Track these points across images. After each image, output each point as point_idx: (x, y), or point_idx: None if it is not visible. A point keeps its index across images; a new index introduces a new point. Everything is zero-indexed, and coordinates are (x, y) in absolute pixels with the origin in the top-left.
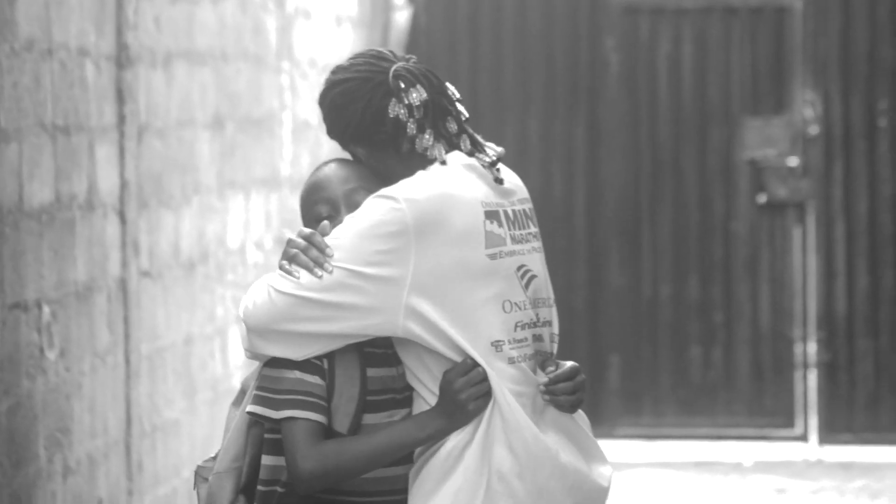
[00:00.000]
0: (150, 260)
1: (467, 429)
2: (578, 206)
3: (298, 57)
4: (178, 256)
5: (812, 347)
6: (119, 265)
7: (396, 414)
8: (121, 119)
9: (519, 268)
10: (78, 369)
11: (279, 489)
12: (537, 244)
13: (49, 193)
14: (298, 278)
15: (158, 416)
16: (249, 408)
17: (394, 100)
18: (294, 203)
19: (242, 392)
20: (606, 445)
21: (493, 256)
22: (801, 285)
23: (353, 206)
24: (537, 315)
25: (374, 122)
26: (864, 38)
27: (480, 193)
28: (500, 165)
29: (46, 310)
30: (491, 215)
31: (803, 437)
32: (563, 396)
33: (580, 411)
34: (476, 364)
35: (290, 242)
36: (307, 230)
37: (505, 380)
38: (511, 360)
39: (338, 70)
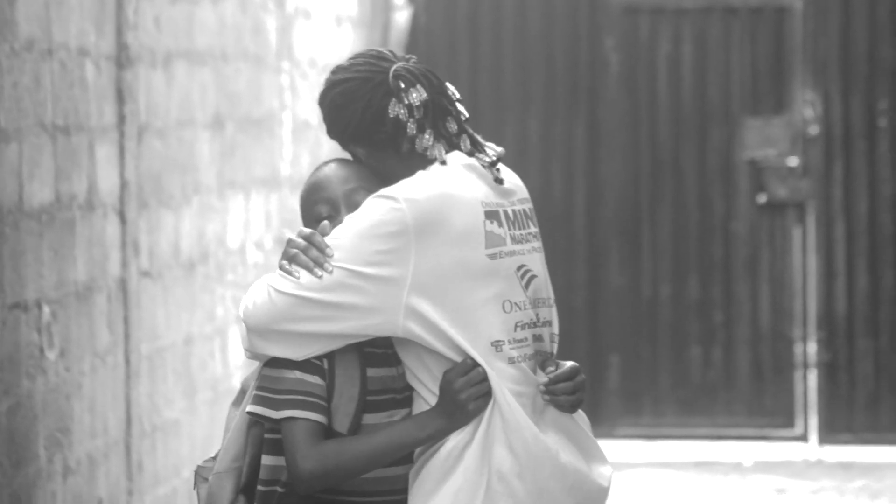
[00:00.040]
0: (150, 260)
1: (467, 429)
2: (578, 206)
3: (298, 57)
4: (178, 256)
5: (812, 347)
6: (119, 265)
7: (396, 414)
8: (121, 119)
9: (519, 268)
10: (78, 369)
11: (279, 489)
12: (537, 244)
13: (49, 193)
14: (298, 278)
15: (158, 416)
16: (249, 408)
17: (394, 100)
18: (294, 203)
19: (242, 392)
20: (606, 445)
21: (493, 256)
22: (801, 285)
23: (353, 206)
24: (537, 315)
25: (374, 122)
26: (864, 38)
27: (480, 193)
28: (499, 165)
29: (46, 310)
30: (491, 215)
31: (803, 437)
32: (563, 396)
33: (580, 411)
34: (476, 364)
35: (290, 242)
36: (307, 230)
37: (505, 380)
38: (511, 360)
39: (338, 70)
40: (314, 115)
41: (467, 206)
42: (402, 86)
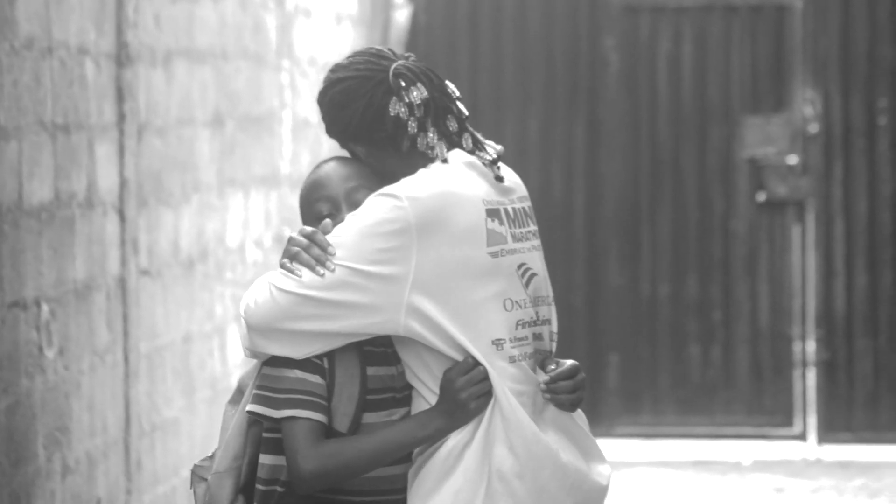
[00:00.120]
0: (149, 258)
1: (468, 428)
2: (578, 205)
3: (298, 55)
4: (177, 255)
5: (811, 346)
6: (118, 263)
7: (396, 413)
8: (120, 117)
9: (520, 266)
10: (77, 368)
11: (278, 488)
12: (536, 242)
13: (48, 192)
14: (300, 277)
15: (157, 414)
16: (249, 407)
17: (394, 98)
18: (294, 201)
19: (239, 391)
20: (605, 444)
21: (494, 254)
22: (800, 284)
23: (354, 204)
24: (537, 313)
25: (375, 121)
26: (864, 37)
27: (482, 191)
28: (499, 163)
29: (45, 308)
30: (492, 213)
31: (802, 437)
32: (563, 395)
33: (578, 410)
34: (477, 363)
35: (291, 240)
36: (309, 228)
37: (505, 378)
38: (512, 359)
39: (337, 68)
40: (314, 114)
41: (469, 203)
42: (403, 84)
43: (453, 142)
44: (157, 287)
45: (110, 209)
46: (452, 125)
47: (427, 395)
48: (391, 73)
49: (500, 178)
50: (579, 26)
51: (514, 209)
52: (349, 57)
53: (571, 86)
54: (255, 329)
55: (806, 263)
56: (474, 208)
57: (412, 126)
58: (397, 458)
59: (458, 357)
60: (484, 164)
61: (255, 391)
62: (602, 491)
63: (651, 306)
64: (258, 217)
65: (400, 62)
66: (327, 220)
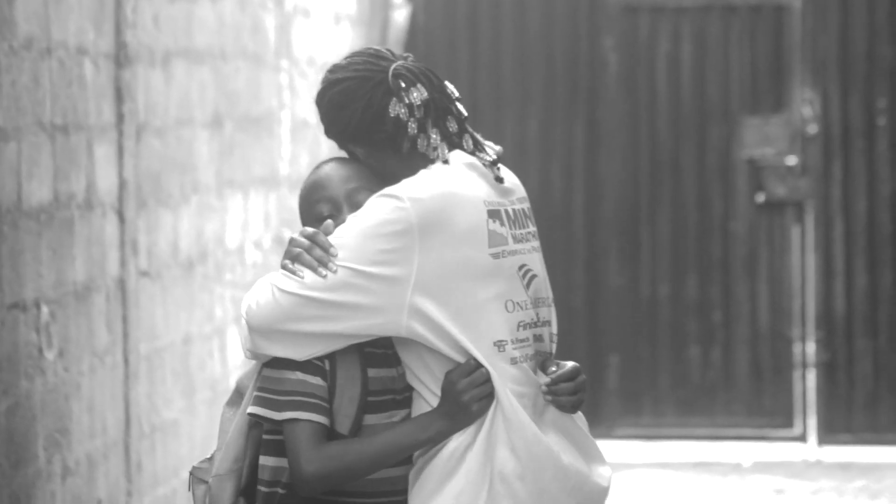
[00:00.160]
0: (148, 259)
1: (469, 430)
2: (577, 206)
3: (297, 55)
4: (176, 256)
5: (811, 347)
6: (118, 265)
7: (396, 415)
8: (119, 118)
9: (520, 267)
10: (77, 369)
11: (280, 490)
12: (536, 244)
13: (48, 193)
14: (302, 278)
15: (157, 416)
16: (251, 409)
17: (394, 99)
18: (293, 202)
19: (237, 392)
20: (605, 445)
21: (496, 256)
22: (799, 285)
23: (355, 205)
24: (538, 315)
25: (374, 122)
26: (863, 37)
27: (483, 192)
28: (499, 164)
29: (45, 310)
30: (493, 214)
31: (802, 438)
32: (564, 397)
33: (578, 412)
34: (479, 365)
35: (292, 241)
36: (310, 229)
37: (507, 380)
38: (513, 361)
39: (335, 69)
40: (313, 114)
41: (471, 204)
42: (403, 85)
43: (453, 143)
44: (157, 288)
45: (109, 210)
46: (452, 126)
47: (428, 396)
48: (391, 73)
49: (500, 179)
50: (579, 26)
51: (514, 210)
52: (348, 57)
53: (571, 86)
54: (257, 330)
55: (805, 264)
56: (476, 209)
57: (412, 127)
58: (399, 460)
59: (460, 358)
60: (484, 164)
61: (256, 393)
62: (603, 492)
63: (651, 307)
64: (257, 218)
65: (399, 62)
66: (329, 221)
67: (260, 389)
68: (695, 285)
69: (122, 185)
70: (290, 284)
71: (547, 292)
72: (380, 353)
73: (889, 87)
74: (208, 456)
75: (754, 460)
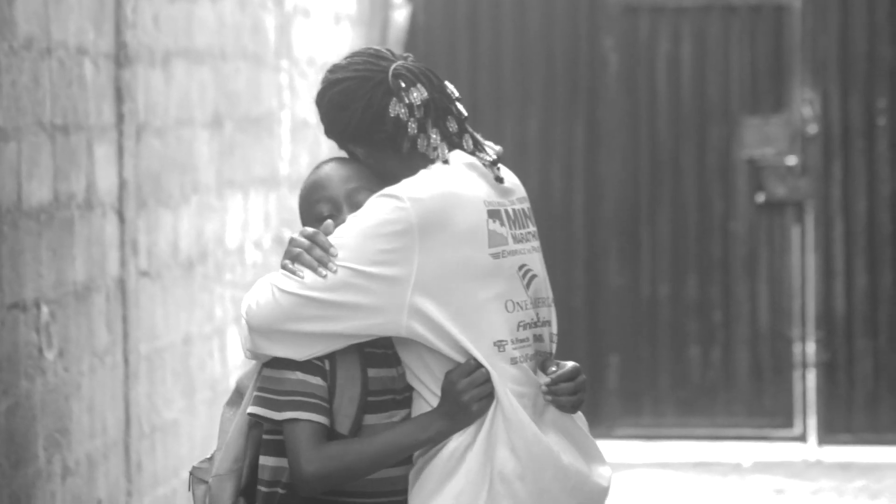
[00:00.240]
0: (148, 259)
1: (469, 430)
2: (577, 206)
3: (297, 55)
4: (176, 256)
5: (811, 347)
6: (118, 265)
7: (396, 415)
8: (119, 118)
9: (520, 267)
10: (77, 369)
11: (280, 490)
12: (536, 244)
13: (48, 193)
14: (303, 278)
15: (157, 416)
16: (251, 409)
17: (394, 99)
18: (293, 202)
19: (237, 392)
20: (605, 446)
21: (496, 256)
22: (799, 285)
23: (355, 205)
24: (538, 315)
25: (374, 122)
26: (863, 37)
27: (483, 192)
28: (499, 164)
29: (45, 310)
30: (493, 214)
31: (802, 438)
32: (564, 397)
33: (578, 411)
34: (479, 365)
35: (292, 241)
36: (310, 229)
37: (507, 380)
38: (513, 361)
39: (335, 69)
40: (313, 114)
41: (471, 204)
42: (403, 85)
43: (453, 143)
44: (157, 288)
45: (109, 210)
46: (452, 126)
47: (428, 396)
48: (391, 73)
49: (500, 179)
50: (579, 26)
51: (513, 210)
52: (347, 57)
53: (571, 86)
54: (257, 330)
55: (805, 264)
56: (476, 209)
57: (412, 127)
58: (399, 460)
59: (460, 358)
60: (484, 165)
61: (256, 393)
62: (603, 492)
63: (651, 307)
64: (257, 218)
65: (399, 63)
66: (329, 221)
67: (260, 389)
68: (695, 285)
69: (122, 185)
70: (291, 284)
71: (547, 292)
72: (380, 353)
73: (889, 87)
74: (208, 456)
75: (754, 460)
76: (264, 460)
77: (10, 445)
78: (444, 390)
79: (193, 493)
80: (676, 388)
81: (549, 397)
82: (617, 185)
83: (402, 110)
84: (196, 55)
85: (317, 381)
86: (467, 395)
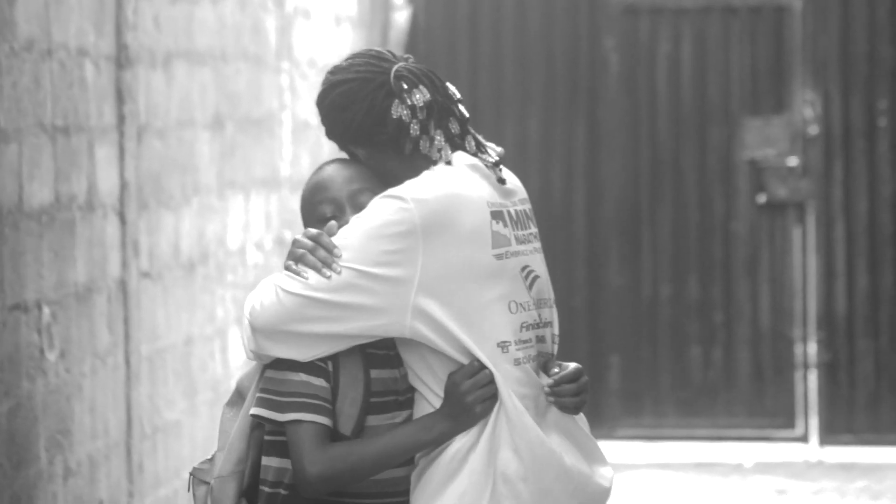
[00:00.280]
0: (149, 261)
1: (472, 431)
2: (578, 206)
3: (298, 57)
4: (178, 257)
5: (812, 348)
6: (119, 266)
7: (398, 416)
8: (120, 119)
9: (523, 268)
10: (78, 370)
11: (282, 491)
12: (538, 245)
13: (49, 194)
14: (307, 279)
15: (159, 417)
16: (253, 410)
17: (396, 101)
18: (294, 203)
19: (238, 393)
20: (607, 446)
21: (499, 257)
22: (801, 285)
23: (357, 206)
24: (540, 315)
25: (376, 124)
26: (864, 38)
27: (486, 193)
28: (501, 166)
29: (46, 311)
30: (496, 215)
31: (804, 438)
32: (567, 398)
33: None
34: (483, 366)
35: (296, 242)
36: (314, 230)
37: (510, 381)
38: (517, 362)
39: (336, 70)
40: (314, 116)
41: (474, 205)
42: (405, 86)
43: (456, 144)
44: (158, 289)
45: (111, 211)
46: (454, 127)
47: (430, 397)
48: (392, 75)
49: (502, 181)
50: (579, 27)
51: (516, 211)
52: (348, 59)
53: (571, 86)
54: (261, 331)
55: (807, 265)
56: (479, 210)
57: (414, 128)
58: (402, 461)
59: (463, 360)
60: (487, 166)
61: (258, 394)
62: (605, 493)
63: (652, 307)
64: (259, 219)
65: (400, 64)
66: (333, 222)
67: (263, 391)
68: (696, 286)
69: (123, 186)
70: (294, 285)
71: (549, 293)
72: (382, 354)
73: (890, 87)
74: (209, 457)
75: (756, 461)
76: (268, 461)
77: (11, 446)
78: (447, 392)
79: (194, 494)
80: (677, 388)
81: (552, 399)
82: (617, 186)
83: (405, 112)
84: (197, 56)
85: (320, 382)
86: (471, 397)
